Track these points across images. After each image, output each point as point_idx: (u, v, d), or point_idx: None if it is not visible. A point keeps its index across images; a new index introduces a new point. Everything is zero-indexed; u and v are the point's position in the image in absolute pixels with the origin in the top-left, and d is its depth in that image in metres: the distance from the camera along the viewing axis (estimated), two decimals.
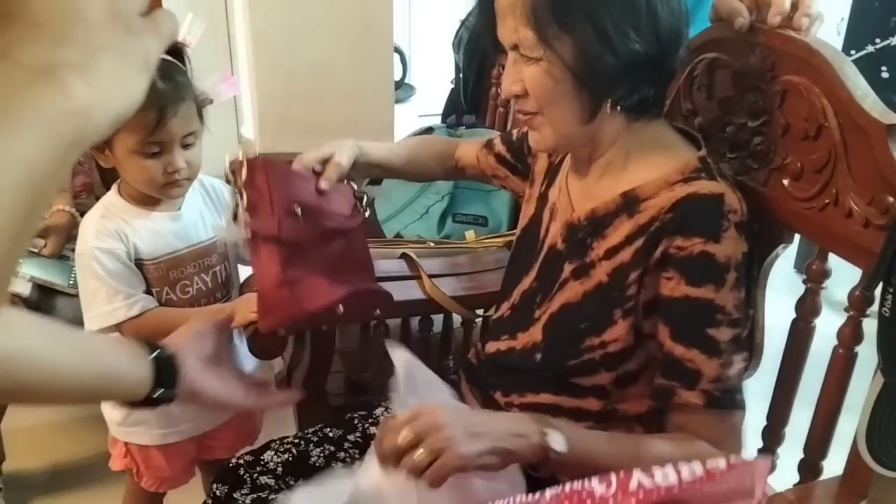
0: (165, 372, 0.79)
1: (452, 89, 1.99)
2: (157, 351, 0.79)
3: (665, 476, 0.57)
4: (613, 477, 0.57)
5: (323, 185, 0.98)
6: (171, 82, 1.05)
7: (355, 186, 1.05)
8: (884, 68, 2.39)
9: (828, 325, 0.94)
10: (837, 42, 2.67)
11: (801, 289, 0.95)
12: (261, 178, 0.92)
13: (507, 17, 0.82)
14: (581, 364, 0.89)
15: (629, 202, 0.87)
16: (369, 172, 1.12)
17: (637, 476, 0.57)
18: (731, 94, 0.96)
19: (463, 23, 1.96)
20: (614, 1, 0.78)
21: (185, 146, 1.09)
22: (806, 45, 0.84)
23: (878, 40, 2.40)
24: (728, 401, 0.83)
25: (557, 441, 0.76)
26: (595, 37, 0.79)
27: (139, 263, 1.12)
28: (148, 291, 1.13)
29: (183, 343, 0.85)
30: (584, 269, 0.90)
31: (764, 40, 0.89)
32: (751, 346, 0.98)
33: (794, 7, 0.86)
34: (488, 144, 1.18)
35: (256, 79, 2.18)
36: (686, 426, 0.85)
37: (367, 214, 1.07)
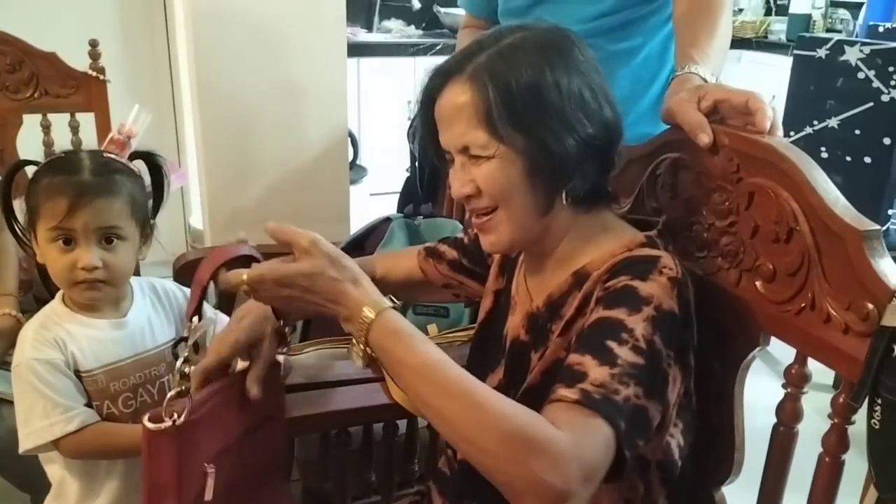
0: None
1: (408, 178, 1.97)
2: None
3: None
4: None
5: (254, 392, 0.90)
6: (102, 177, 1.02)
7: (286, 363, 0.96)
8: (823, 149, 2.49)
9: (816, 401, 0.91)
10: None
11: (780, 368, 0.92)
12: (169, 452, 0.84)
13: (453, 122, 0.83)
14: None
15: (579, 279, 0.87)
16: None
17: None
18: (695, 193, 0.96)
19: (417, 116, 1.96)
20: (568, 93, 0.81)
21: (105, 243, 1.04)
22: (772, 149, 0.83)
23: (815, 122, 2.50)
24: (605, 407, 0.71)
25: (356, 359, 0.81)
26: (550, 129, 0.80)
27: (77, 375, 1.05)
28: (88, 405, 1.05)
29: None
30: (546, 351, 0.88)
31: (728, 142, 0.89)
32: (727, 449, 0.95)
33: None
34: (431, 253, 1.12)
35: (206, 169, 2.14)
36: (547, 413, 0.73)
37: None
